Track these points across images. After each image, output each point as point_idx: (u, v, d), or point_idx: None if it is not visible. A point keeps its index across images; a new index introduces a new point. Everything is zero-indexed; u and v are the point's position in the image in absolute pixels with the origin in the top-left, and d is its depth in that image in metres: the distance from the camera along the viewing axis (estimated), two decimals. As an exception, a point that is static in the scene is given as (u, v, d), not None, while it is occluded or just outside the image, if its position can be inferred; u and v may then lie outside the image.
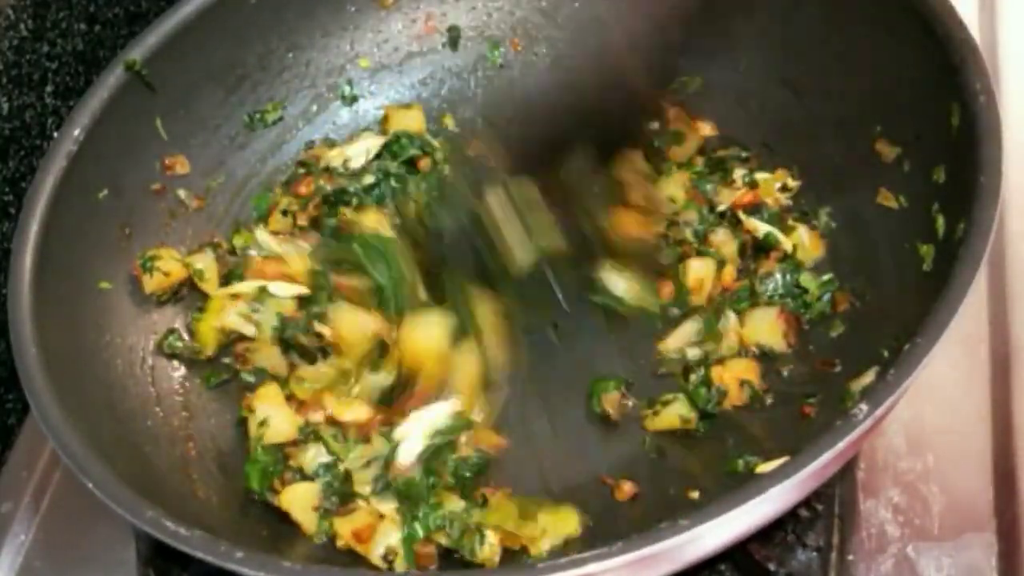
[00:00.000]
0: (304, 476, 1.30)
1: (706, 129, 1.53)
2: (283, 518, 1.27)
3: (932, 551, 1.25)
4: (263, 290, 1.42)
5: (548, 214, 1.36)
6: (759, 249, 1.41)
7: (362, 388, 1.36)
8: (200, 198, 1.52)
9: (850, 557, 1.25)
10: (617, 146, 1.42)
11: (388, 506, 1.26)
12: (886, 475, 1.31)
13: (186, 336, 1.43)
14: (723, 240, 1.42)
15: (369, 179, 1.53)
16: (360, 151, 1.56)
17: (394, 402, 1.34)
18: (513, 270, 1.36)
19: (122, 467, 1.17)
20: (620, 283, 1.38)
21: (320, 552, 1.25)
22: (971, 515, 1.27)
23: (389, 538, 1.23)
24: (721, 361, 1.33)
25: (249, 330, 1.41)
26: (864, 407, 1.03)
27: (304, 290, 1.43)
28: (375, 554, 1.23)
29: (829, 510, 1.22)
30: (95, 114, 1.40)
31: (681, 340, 1.37)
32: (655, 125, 1.51)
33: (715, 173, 1.48)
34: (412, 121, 1.59)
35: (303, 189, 1.54)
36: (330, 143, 1.60)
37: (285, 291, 1.42)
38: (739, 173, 1.47)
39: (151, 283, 1.43)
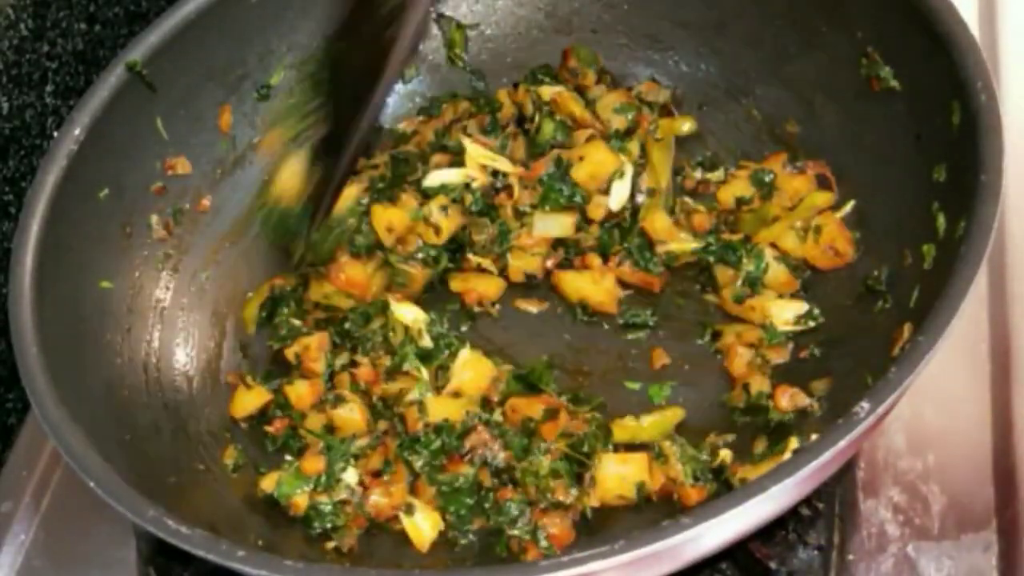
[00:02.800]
0: None
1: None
2: (284, 517, 1.28)
3: (932, 551, 1.25)
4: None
5: None
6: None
7: None
8: (201, 199, 1.52)
9: (850, 557, 1.25)
10: None
11: None
12: (886, 475, 1.31)
13: None
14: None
15: None
16: None
17: None
18: None
19: (123, 466, 1.17)
20: None
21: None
22: (971, 515, 1.27)
23: None
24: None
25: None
26: (865, 405, 1.03)
27: None
28: None
29: (830, 508, 1.22)
30: (95, 114, 1.39)
31: None
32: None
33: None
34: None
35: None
36: None
37: None
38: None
39: None
